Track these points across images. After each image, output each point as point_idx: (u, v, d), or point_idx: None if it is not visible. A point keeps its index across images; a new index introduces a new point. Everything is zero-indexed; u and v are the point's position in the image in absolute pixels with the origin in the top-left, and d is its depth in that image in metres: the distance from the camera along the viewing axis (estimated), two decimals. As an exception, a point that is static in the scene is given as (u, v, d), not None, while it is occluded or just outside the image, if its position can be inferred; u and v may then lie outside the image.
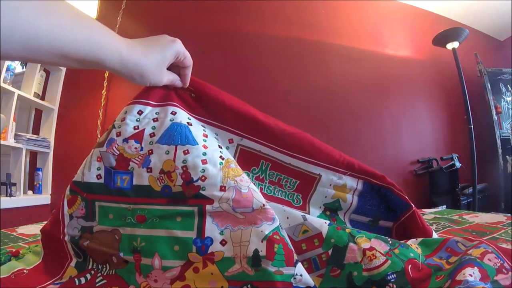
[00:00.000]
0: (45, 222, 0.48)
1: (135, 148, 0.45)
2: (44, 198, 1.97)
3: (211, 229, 0.41)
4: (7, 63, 1.77)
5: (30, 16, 0.27)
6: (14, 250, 0.52)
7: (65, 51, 0.31)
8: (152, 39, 0.43)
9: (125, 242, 0.42)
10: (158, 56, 0.42)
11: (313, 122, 2.32)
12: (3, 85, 1.71)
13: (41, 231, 0.47)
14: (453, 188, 2.29)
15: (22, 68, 2.16)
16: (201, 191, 0.42)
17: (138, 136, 0.46)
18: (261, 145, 0.52)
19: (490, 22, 2.80)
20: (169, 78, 0.47)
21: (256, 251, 0.39)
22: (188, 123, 0.48)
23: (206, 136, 0.49)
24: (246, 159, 0.52)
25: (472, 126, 2.26)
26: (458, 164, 2.27)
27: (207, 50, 2.23)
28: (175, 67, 0.48)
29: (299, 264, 0.40)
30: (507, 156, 2.49)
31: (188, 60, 0.47)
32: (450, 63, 2.42)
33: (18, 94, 1.81)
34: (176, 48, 0.44)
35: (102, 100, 2.20)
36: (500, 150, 2.46)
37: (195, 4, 2.38)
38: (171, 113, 0.48)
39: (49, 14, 0.29)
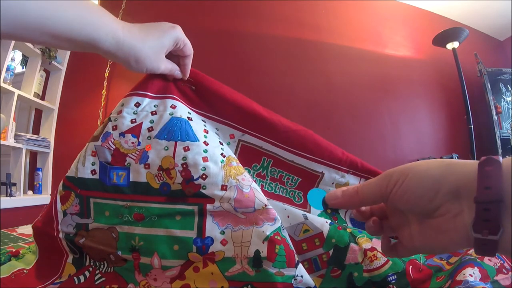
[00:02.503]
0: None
1: (132, 142, 0.43)
2: (44, 198, 1.96)
3: (212, 228, 0.40)
4: (7, 63, 1.77)
5: None
6: (14, 250, 0.52)
7: (56, 30, 0.30)
8: (151, 24, 0.41)
9: (123, 241, 0.41)
10: (156, 41, 0.40)
11: (313, 121, 2.32)
12: (3, 85, 1.70)
13: (32, 227, 0.45)
14: (453, 188, 2.28)
15: (22, 68, 2.16)
16: (201, 190, 0.41)
17: (135, 130, 0.44)
18: (263, 141, 0.51)
19: (490, 22, 2.80)
20: (168, 66, 0.44)
21: (257, 252, 0.38)
22: (188, 117, 0.46)
23: (207, 132, 0.47)
24: (248, 155, 0.51)
25: (472, 126, 2.26)
26: (458, 164, 2.26)
27: (207, 50, 2.23)
28: (175, 57, 0.46)
29: (300, 265, 0.40)
30: (507, 156, 2.48)
31: (188, 48, 0.45)
32: (450, 63, 2.42)
33: (18, 94, 1.81)
34: (175, 34, 0.42)
35: (102, 100, 2.20)
36: (500, 150, 2.46)
37: (195, 4, 2.38)
38: (171, 106, 0.46)
39: None
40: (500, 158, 0.20)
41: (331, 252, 0.44)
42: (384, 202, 0.25)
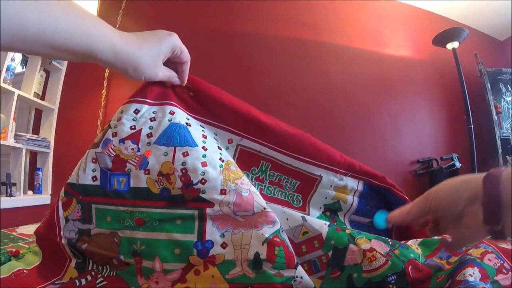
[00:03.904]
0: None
1: (132, 149, 0.44)
2: (44, 198, 1.96)
3: (212, 232, 0.41)
4: (7, 63, 1.77)
5: (17, 4, 0.26)
6: (14, 250, 0.52)
7: (55, 42, 0.30)
8: (148, 32, 0.41)
9: (125, 245, 0.41)
10: (153, 49, 0.41)
11: (313, 122, 2.32)
12: (3, 85, 1.70)
13: (35, 233, 0.46)
14: (453, 188, 2.28)
15: (22, 68, 2.15)
16: (201, 195, 0.41)
17: (135, 137, 0.45)
18: (261, 145, 0.51)
19: (490, 22, 2.80)
20: (166, 73, 0.45)
21: (257, 254, 0.39)
22: (186, 123, 0.47)
23: (205, 137, 0.48)
24: (246, 160, 0.51)
25: (472, 126, 2.26)
26: (458, 164, 2.26)
27: (207, 50, 2.23)
28: (173, 64, 0.46)
29: (300, 267, 0.40)
30: (507, 156, 2.48)
31: (185, 55, 0.45)
32: (450, 63, 2.42)
33: (18, 94, 1.81)
34: (172, 41, 0.42)
35: (102, 100, 2.20)
36: (500, 150, 2.45)
37: (195, 4, 2.37)
38: (169, 112, 0.47)
39: (38, 3, 0.28)
40: (502, 168, 0.28)
41: (330, 253, 0.44)
42: (428, 215, 0.35)
